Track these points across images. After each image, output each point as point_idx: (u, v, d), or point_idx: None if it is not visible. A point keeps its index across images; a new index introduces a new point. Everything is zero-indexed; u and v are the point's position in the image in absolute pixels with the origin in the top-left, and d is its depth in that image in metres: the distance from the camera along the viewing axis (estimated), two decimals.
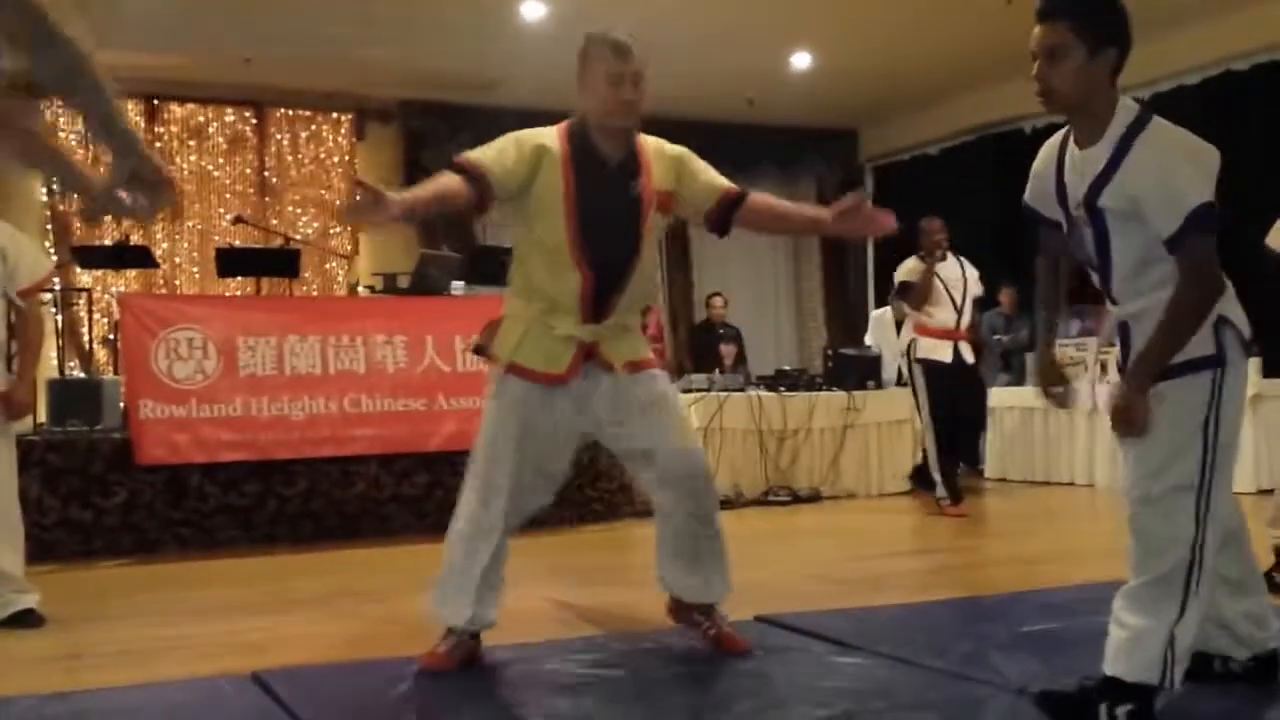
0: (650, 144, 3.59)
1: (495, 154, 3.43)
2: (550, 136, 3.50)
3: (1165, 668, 2.71)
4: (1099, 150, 2.78)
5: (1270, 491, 4.98)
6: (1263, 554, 4.61)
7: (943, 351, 7.69)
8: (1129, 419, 2.74)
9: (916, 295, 7.67)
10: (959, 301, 7.65)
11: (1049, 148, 2.97)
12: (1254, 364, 8.30)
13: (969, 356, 7.77)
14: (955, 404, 7.79)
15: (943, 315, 7.66)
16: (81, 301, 9.15)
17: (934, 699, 3.13)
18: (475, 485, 3.55)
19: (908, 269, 7.76)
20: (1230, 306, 2.85)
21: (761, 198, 3.67)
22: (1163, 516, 2.73)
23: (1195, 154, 2.74)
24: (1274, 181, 7.90)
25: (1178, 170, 2.68)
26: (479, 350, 3.61)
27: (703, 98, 11.26)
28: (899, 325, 9.65)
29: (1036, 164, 3.01)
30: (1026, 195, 3.08)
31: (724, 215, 3.62)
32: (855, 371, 9.15)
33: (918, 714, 2.97)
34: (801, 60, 10.66)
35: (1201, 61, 9.60)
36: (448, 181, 3.35)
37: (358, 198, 3.04)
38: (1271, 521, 4.61)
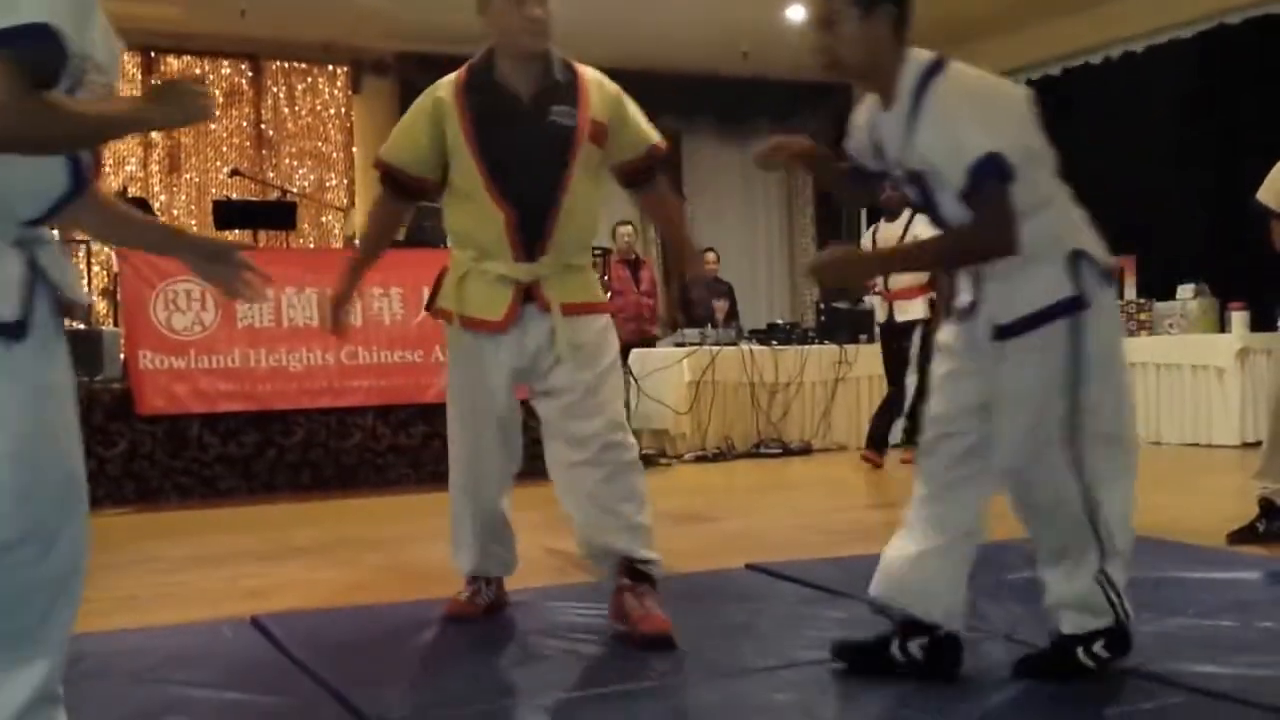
0: (589, 74, 3.36)
1: (405, 139, 3.39)
2: (447, 84, 3.34)
3: (1116, 608, 2.71)
4: (897, 112, 2.63)
5: (1257, 444, 5.03)
6: (1249, 506, 4.70)
7: (880, 311, 7.87)
8: (821, 266, 2.76)
9: None
10: None
11: (868, 103, 2.79)
12: (1240, 318, 8.34)
13: (899, 315, 7.80)
14: (890, 362, 7.95)
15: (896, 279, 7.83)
16: (81, 253, 9.16)
17: None
18: (452, 438, 3.53)
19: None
20: (1084, 235, 2.64)
21: (662, 192, 3.54)
22: (1039, 485, 2.66)
23: (987, 100, 2.59)
24: (1266, 135, 7.91)
25: (959, 121, 2.52)
26: (429, 307, 3.53)
27: (697, 51, 11.22)
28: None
29: (856, 117, 2.87)
30: (848, 146, 2.93)
31: (638, 176, 3.45)
32: (847, 325, 9.21)
33: None
34: (796, 13, 10.61)
35: (1194, 15, 9.57)
36: (378, 210, 3.59)
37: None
38: (1258, 474, 4.66)
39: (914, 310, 7.77)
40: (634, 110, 3.41)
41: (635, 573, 3.29)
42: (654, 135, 3.44)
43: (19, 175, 1.77)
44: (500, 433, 3.41)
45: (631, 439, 3.39)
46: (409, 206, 3.64)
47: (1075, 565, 2.70)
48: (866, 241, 7.89)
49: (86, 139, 1.87)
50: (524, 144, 3.25)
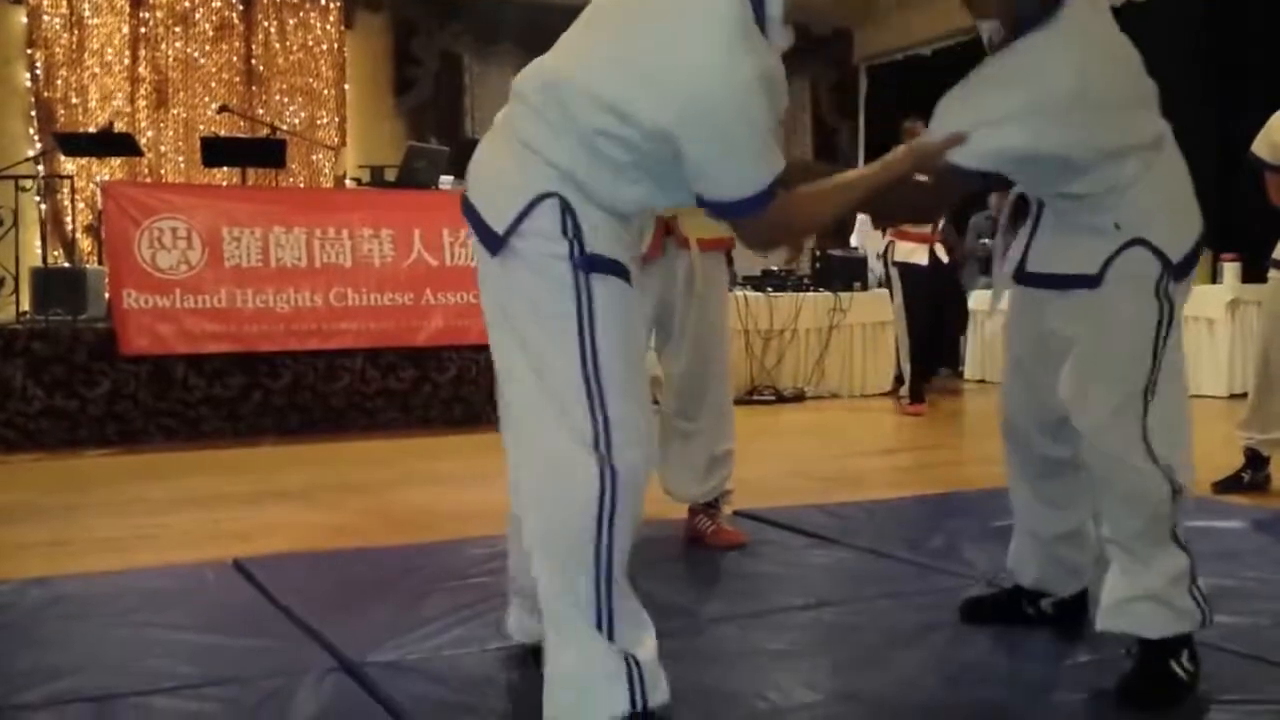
0: None
1: None
2: None
3: (1204, 612, 2.46)
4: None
5: (1245, 395, 5.05)
6: (1235, 456, 4.71)
7: (919, 255, 7.81)
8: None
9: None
10: None
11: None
12: (1232, 269, 8.36)
13: (945, 258, 7.98)
14: (936, 306, 7.93)
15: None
16: (65, 189, 9.08)
17: (907, 589, 3.22)
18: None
19: None
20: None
21: None
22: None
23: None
24: (1266, 87, 7.84)
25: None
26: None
27: None
28: (884, 227, 9.66)
29: None
30: None
31: None
32: (842, 273, 9.17)
33: (891, 603, 3.05)
34: None
35: None
36: None
37: None
38: (1244, 424, 4.70)
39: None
40: None
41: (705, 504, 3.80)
42: None
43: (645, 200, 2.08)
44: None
45: (728, 385, 3.88)
46: None
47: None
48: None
49: (831, 218, 2.23)
50: None
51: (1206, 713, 2.37)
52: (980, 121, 2.28)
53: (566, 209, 1.97)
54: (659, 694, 2.07)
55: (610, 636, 2.02)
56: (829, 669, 2.61)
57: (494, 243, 2.02)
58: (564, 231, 1.97)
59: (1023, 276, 2.58)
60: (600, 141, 1.97)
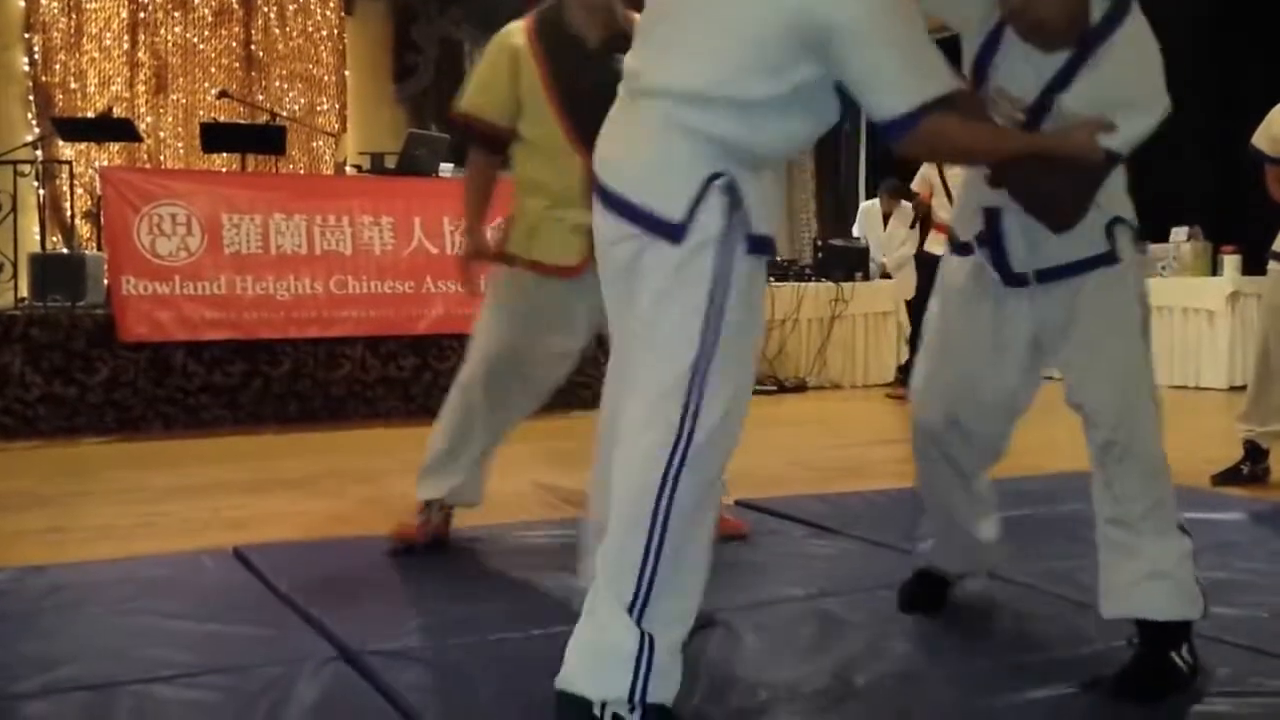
0: None
1: (483, 93, 3.40)
2: (518, 32, 3.39)
3: (1205, 600, 2.52)
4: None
5: (1244, 387, 5.05)
6: (1234, 448, 4.72)
7: (937, 245, 7.81)
8: None
9: (915, 208, 8.09)
10: None
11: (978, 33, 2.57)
12: (1232, 261, 8.37)
13: None
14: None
15: (945, 211, 7.77)
16: (64, 175, 9.05)
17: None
18: (483, 374, 3.51)
19: (921, 177, 7.96)
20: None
21: None
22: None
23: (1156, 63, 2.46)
24: (1265, 77, 7.83)
25: (1147, 74, 2.48)
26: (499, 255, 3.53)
27: None
28: (886, 218, 9.65)
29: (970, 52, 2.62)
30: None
31: None
32: (844, 263, 9.17)
33: (890, 593, 3.04)
34: None
35: None
36: (475, 170, 3.50)
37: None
38: (1243, 416, 4.70)
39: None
40: None
41: None
42: None
43: (804, 133, 2.19)
44: (544, 370, 3.57)
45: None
46: (499, 159, 3.51)
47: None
48: (874, 213, 7.97)
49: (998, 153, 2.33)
50: (601, 92, 3.11)
51: (1204, 704, 2.38)
52: (1125, 106, 2.37)
53: (730, 188, 2.04)
54: (662, 690, 2.06)
55: (638, 616, 2.02)
56: (828, 659, 2.62)
57: (675, 231, 2.04)
58: (726, 214, 2.04)
59: (1027, 278, 2.54)
60: (754, 96, 2.05)
